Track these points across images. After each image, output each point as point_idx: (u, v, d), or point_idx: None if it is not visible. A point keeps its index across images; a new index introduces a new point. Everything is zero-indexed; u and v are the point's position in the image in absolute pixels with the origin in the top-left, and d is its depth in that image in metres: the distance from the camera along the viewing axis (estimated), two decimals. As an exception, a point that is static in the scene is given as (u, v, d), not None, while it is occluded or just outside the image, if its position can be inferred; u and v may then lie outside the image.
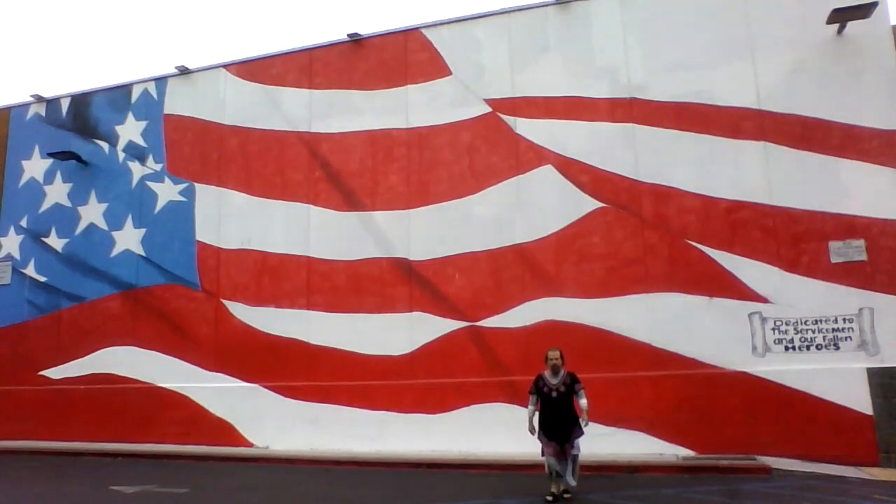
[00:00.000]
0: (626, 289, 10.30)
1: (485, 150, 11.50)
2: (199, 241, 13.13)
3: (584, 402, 7.17)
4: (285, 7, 44.94)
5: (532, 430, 7.31)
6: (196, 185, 13.37)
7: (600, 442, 9.28)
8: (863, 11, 9.39)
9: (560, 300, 10.58)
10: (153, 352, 13.01)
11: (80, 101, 14.87)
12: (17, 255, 14.64)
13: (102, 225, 14.03)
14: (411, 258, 11.61)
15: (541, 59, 11.44)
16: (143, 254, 13.52)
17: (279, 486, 8.71)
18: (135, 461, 11.35)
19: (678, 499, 7.24)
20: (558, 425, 7.14)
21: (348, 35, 12.71)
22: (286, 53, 13.31)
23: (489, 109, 11.58)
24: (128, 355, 13.20)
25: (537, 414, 7.33)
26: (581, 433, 7.17)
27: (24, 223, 14.73)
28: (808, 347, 9.39)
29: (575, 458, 7.19)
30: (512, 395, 10.30)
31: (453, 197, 11.55)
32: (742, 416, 9.39)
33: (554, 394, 7.21)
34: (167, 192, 13.59)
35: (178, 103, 13.91)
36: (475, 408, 10.62)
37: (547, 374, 7.33)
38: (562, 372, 7.30)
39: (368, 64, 12.56)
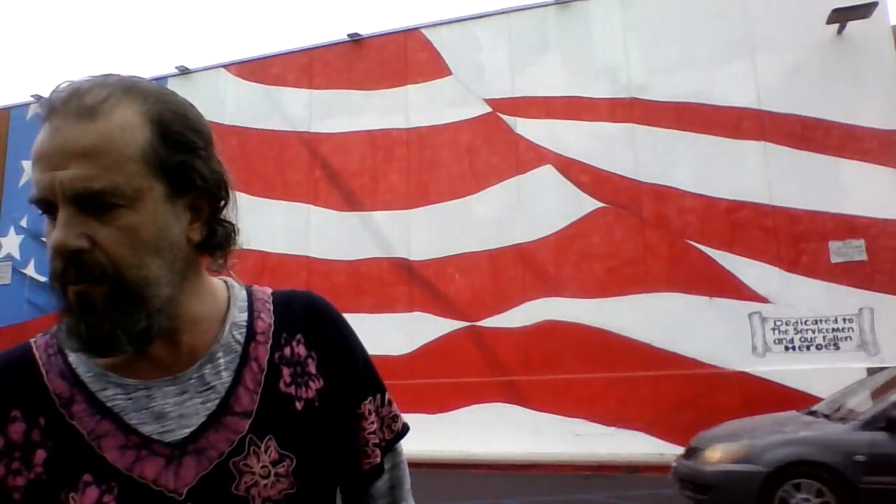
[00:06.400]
0: (626, 289, 10.30)
1: (485, 150, 11.49)
2: (199, 241, 13.10)
3: None
4: (285, 7, 44.96)
5: None
6: (196, 185, 13.34)
7: (600, 442, 9.28)
8: (863, 11, 9.39)
9: (560, 300, 10.57)
10: (153, 352, 12.98)
11: (80, 101, 14.83)
12: (17, 255, 14.62)
13: (102, 225, 14.00)
14: (411, 258, 11.60)
15: (541, 59, 11.43)
16: (143, 254, 13.50)
17: (279, 486, 8.70)
18: (135, 461, 11.33)
19: (678, 499, 7.24)
20: None
21: (348, 35, 12.71)
22: (286, 53, 13.30)
23: (489, 109, 11.57)
24: (128, 355, 13.17)
25: None
26: None
27: (24, 223, 14.71)
28: (808, 347, 9.38)
29: None
30: (512, 395, 10.30)
31: (453, 197, 11.54)
32: (742, 416, 9.37)
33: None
34: (167, 192, 13.56)
35: (178, 103, 13.88)
36: (475, 408, 10.61)
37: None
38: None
39: (368, 64, 12.55)
